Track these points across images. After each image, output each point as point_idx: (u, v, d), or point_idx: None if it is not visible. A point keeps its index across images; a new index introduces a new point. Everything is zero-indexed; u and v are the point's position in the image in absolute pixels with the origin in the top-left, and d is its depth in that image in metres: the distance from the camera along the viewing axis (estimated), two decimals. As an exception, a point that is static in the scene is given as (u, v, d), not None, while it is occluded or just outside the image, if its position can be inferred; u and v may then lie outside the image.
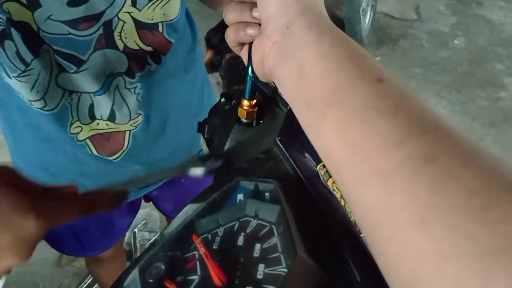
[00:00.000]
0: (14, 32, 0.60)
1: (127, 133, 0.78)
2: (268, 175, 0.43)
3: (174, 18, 0.72)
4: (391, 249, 0.25)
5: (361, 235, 0.39)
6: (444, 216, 0.22)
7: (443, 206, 0.22)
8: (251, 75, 0.47)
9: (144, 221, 1.86)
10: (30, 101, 0.69)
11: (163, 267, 0.38)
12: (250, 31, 0.42)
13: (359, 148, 0.28)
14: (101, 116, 0.74)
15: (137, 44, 0.69)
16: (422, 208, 0.23)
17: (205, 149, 0.57)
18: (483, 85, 2.65)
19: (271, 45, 0.39)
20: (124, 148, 0.79)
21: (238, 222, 0.39)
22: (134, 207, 1.06)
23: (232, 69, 0.72)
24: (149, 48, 0.71)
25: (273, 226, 0.37)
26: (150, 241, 1.79)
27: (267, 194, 0.41)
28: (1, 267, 0.42)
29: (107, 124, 0.75)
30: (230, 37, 0.45)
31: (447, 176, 0.23)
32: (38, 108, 0.70)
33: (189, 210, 0.43)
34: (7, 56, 0.62)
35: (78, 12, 0.61)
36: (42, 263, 1.75)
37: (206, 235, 0.40)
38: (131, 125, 0.77)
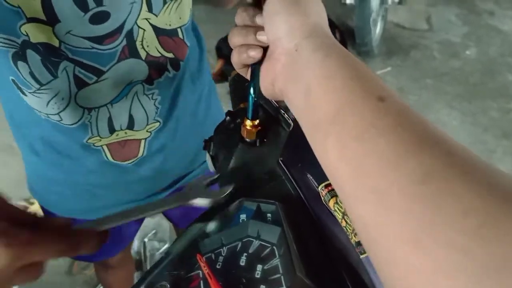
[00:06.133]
0: (30, 53, 0.61)
1: (143, 141, 0.79)
2: (270, 196, 0.44)
3: (188, 21, 0.73)
4: (389, 266, 0.25)
5: (361, 257, 0.39)
6: (438, 233, 0.22)
7: (439, 223, 0.22)
8: (253, 95, 0.48)
9: (154, 230, 1.88)
10: (47, 114, 0.70)
11: (168, 286, 0.39)
12: (252, 53, 0.44)
13: (357, 166, 0.28)
14: (120, 126, 0.75)
15: (159, 52, 0.70)
16: (417, 225, 0.23)
17: (210, 165, 0.58)
18: (494, 96, 2.63)
19: (280, 67, 0.40)
20: (139, 156, 0.81)
21: (241, 242, 0.40)
22: None
23: (238, 86, 0.74)
24: (170, 55, 0.73)
25: (275, 248, 0.38)
26: (160, 250, 1.81)
27: (269, 215, 0.42)
28: None
29: (125, 133, 0.76)
30: (235, 59, 0.47)
31: (444, 194, 0.23)
32: (55, 121, 0.71)
33: (193, 229, 0.44)
34: (22, 75, 0.64)
35: (101, 29, 0.62)
36: (54, 271, 1.77)
37: (209, 254, 0.41)
38: (147, 131, 0.78)
